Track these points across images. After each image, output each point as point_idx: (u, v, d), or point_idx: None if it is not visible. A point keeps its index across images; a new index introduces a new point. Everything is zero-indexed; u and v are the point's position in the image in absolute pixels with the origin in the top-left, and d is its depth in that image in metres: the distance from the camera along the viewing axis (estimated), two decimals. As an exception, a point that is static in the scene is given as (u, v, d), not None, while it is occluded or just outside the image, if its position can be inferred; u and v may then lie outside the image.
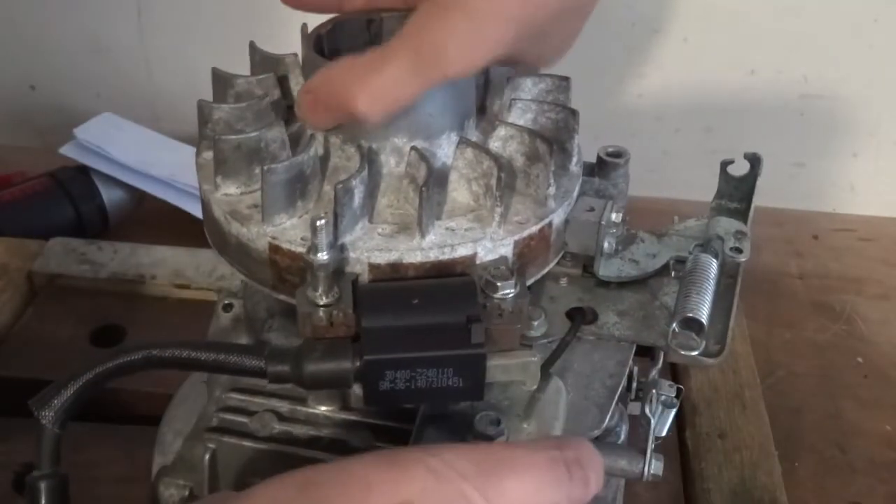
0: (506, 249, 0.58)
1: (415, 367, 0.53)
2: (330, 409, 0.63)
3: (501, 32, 0.57)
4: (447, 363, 0.53)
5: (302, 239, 0.58)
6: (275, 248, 0.58)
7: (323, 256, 0.54)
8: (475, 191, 0.60)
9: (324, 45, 0.65)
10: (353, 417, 0.63)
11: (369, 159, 0.60)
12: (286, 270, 0.59)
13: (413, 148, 0.60)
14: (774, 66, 1.29)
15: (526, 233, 0.59)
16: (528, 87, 0.67)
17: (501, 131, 0.62)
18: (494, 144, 0.62)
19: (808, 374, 1.08)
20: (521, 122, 0.64)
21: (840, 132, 1.33)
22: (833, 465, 0.97)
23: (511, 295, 0.55)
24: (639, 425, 0.64)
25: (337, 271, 0.56)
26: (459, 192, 0.61)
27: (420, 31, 0.56)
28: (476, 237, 0.58)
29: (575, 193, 0.64)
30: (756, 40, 1.27)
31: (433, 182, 0.57)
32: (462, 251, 0.57)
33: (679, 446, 0.94)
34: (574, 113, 0.65)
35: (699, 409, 0.95)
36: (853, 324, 1.16)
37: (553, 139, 0.62)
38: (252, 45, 0.68)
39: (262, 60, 0.68)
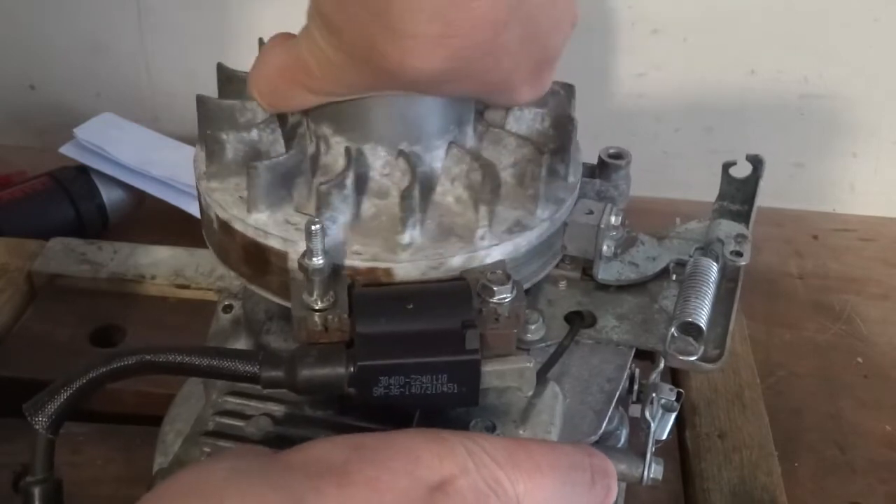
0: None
1: (409, 372, 0.53)
2: (325, 413, 0.63)
3: None
4: (441, 369, 0.53)
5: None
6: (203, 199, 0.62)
7: (318, 261, 0.54)
8: (461, 196, 0.60)
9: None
10: (348, 422, 0.63)
11: (356, 161, 0.60)
12: (204, 224, 0.63)
13: (400, 152, 0.60)
14: (774, 66, 1.29)
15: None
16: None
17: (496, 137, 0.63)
18: (487, 151, 0.63)
19: (808, 374, 1.08)
20: (516, 130, 0.64)
21: (840, 132, 1.33)
22: (833, 465, 0.97)
23: (507, 299, 0.55)
24: (639, 428, 0.64)
25: (332, 275, 0.56)
26: (447, 196, 0.61)
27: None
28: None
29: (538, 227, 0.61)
30: (756, 40, 1.27)
31: (417, 187, 0.58)
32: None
33: (679, 446, 0.94)
34: (571, 120, 0.65)
35: (699, 409, 0.95)
36: (853, 324, 1.16)
37: (546, 148, 0.62)
38: (219, 66, 0.69)
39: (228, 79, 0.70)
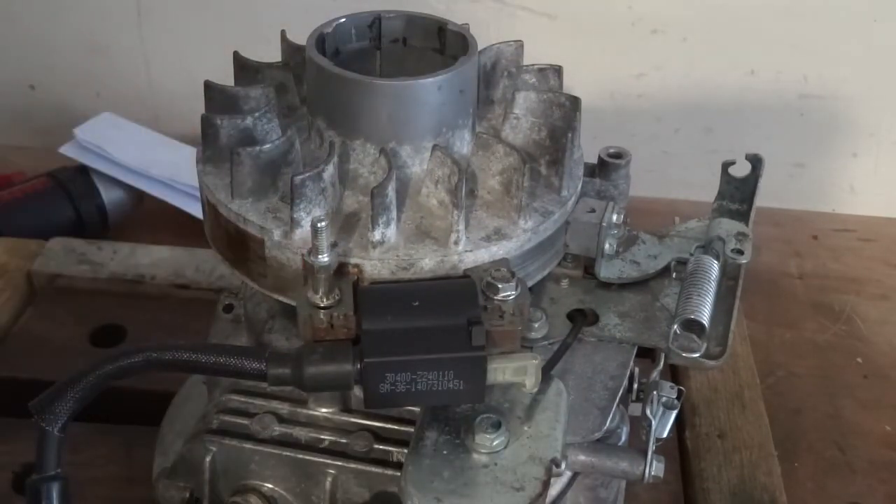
0: None
1: (415, 369, 0.53)
2: (330, 411, 0.63)
3: None
4: (448, 366, 0.53)
5: None
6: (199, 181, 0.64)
7: (324, 259, 0.54)
8: (443, 200, 0.61)
9: (325, 47, 0.65)
10: (353, 420, 0.63)
11: (341, 156, 0.61)
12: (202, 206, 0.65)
13: (383, 150, 0.61)
14: (774, 66, 1.29)
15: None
16: (527, 79, 0.70)
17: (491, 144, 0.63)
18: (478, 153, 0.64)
19: (808, 374, 1.08)
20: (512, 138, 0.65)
21: (840, 132, 1.33)
22: (833, 465, 0.97)
23: (512, 297, 0.55)
24: (640, 427, 0.64)
25: (337, 273, 0.56)
26: (431, 199, 0.62)
27: None
28: None
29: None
30: (756, 40, 1.27)
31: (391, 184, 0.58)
32: None
33: (679, 446, 0.94)
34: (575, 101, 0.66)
35: (699, 409, 0.95)
36: (853, 324, 1.16)
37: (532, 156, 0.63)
38: (235, 55, 0.70)
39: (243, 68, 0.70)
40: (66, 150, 1.23)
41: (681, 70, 1.31)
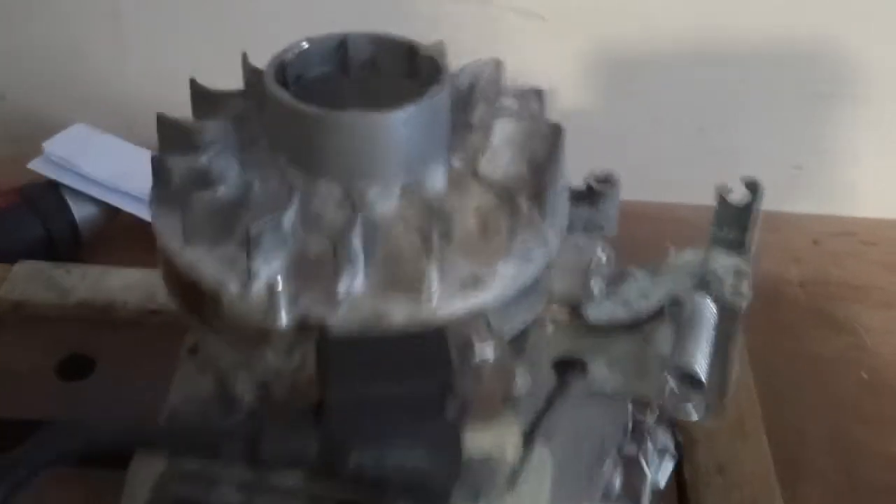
0: None
1: (383, 445, 0.49)
2: (295, 480, 0.59)
3: None
4: (419, 442, 0.49)
5: None
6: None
7: (281, 321, 0.50)
8: (414, 244, 0.56)
9: (287, 74, 0.60)
10: (319, 492, 0.59)
11: (303, 196, 0.57)
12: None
13: (348, 192, 0.57)
14: (774, 64, 1.27)
15: None
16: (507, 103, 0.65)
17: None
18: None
19: (811, 390, 1.04)
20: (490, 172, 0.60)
21: (840, 133, 1.31)
22: (838, 489, 0.94)
23: (491, 358, 0.51)
24: (636, 467, 0.60)
25: (300, 329, 0.52)
26: (401, 243, 0.57)
27: None
28: None
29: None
30: (755, 39, 1.25)
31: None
32: None
33: (676, 478, 0.90)
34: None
35: (698, 440, 0.91)
36: (857, 334, 1.13)
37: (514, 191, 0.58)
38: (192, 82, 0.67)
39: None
40: (36, 164, 1.19)
41: (676, 69, 1.28)
